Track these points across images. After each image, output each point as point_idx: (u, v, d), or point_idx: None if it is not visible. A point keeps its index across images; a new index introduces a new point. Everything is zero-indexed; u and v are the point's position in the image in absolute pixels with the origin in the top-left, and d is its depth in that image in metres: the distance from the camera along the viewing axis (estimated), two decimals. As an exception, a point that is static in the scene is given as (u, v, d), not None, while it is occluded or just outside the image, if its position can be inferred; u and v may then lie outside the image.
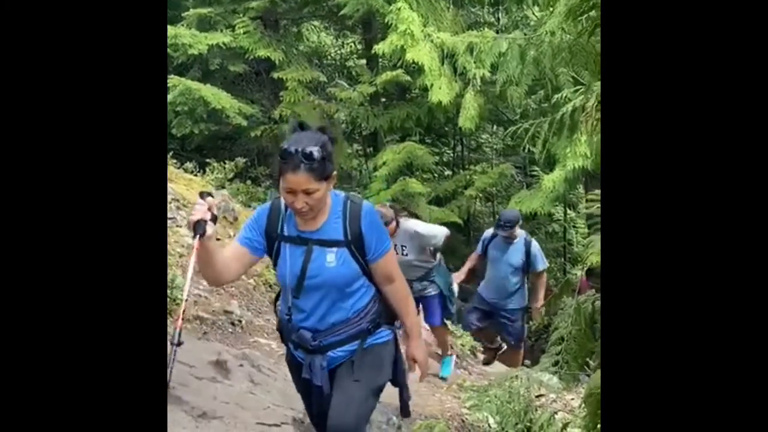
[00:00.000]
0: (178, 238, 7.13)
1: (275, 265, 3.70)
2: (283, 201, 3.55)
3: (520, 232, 8.09)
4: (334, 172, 3.55)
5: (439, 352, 7.74)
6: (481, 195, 15.58)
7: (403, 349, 3.92)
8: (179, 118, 13.00)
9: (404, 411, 4.00)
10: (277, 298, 4.04)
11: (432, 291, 7.04)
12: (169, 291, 5.73)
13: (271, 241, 3.61)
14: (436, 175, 16.81)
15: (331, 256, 3.58)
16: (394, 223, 6.52)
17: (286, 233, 3.61)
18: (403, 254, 6.63)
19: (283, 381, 5.00)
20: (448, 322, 7.85)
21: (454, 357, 7.72)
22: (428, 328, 7.50)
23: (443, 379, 7.33)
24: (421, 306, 6.80)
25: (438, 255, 7.06)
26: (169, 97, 12.02)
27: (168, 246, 6.52)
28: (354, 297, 3.70)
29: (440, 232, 6.91)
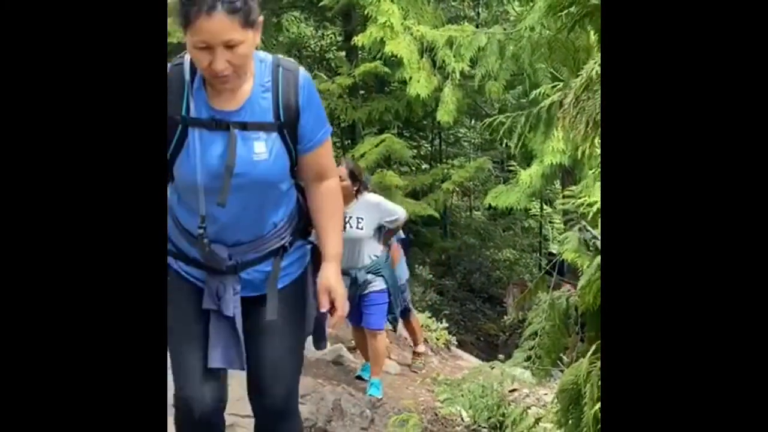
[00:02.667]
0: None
1: (172, 157, 2.69)
2: (186, 66, 2.64)
3: None
4: (261, 18, 2.61)
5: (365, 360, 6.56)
6: (458, 189, 15.62)
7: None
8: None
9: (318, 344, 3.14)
10: None
11: (378, 286, 5.97)
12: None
13: (170, 127, 2.63)
14: (413, 168, 16.85)
15: (261, 146, 2.69)
16: (357, 186, 5.76)
17: (194, 114, 2.64)
18: (358, 227, 5.81)
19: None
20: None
21: (381, 383, 6.18)
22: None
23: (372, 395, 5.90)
24: (361, 305, 5.96)
25: (384, 246, 6.09)
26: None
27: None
28: (283, 201, 2.88)
29: (402, 213, 6.10)
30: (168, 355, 2.78)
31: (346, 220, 5.65)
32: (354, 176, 5.75)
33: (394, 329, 6.44)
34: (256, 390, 2.97)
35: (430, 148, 18.96)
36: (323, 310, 2.84)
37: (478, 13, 16.20)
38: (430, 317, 9.13)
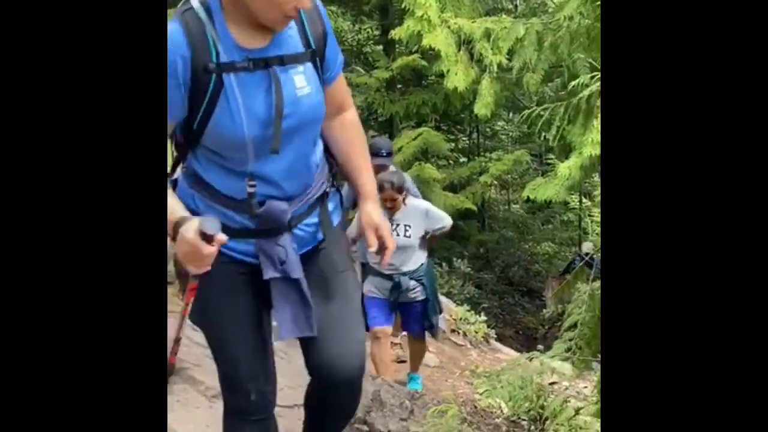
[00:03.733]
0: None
1: (204, 118, 2.39)
2: (200, 10, 2.37)
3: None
4: None
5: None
6: (495, 182, 15.55)
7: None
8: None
9: None
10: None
11: (418, 296, 5.92)
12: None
13: (200, 81, 2.35)
14: (451, 161, 16.82)
15: (301, 79, 2.46)
16: (404, 195, 5.72)
17: (225, 59, 2.36)
18: (405, 235, 5.76)
19: (296, 363, 5.01)
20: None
21: (421, 377, 6.40)
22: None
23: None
24: (403, 311, 6.05)
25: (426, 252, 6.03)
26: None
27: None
28: (317, 144, 2.64)
29: (449, 220, 6.03)
30: (213, 346, 2.71)
31: (394, 227, 5.72)
32: (399, 188, 5.74)
33: (433, 336, 6.34)
34: (325, 354, 2.66)
35: (467, 141, 18.91)
36: (372, 249, 2.69)
37: (516, 5, 16.10)
38: (468, 310, 9.11)
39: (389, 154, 6.39)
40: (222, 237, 2.22)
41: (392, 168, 6.25)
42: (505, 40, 8.51)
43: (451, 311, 8.85)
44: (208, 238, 2.21)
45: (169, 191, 2.38)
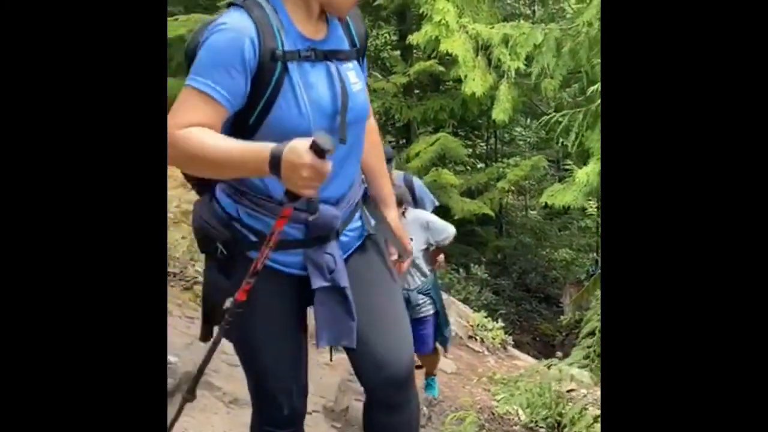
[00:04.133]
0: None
1: (264, 109, 2.30)
2: (265, 3, 2.32)
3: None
4: None
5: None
6: (513, 188, 15.53)
7: None
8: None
9: None
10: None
11: (429, 310, 5.67)
12: (201, 278, 5.76)
13: (266, 69, 2.27)
14: (468, 167, 16.80)
15: (353, 75, 2.44)
16: (403, 208, 5.37)
17: (289, 47, 2.30)
18: None
19: (314, 368, 5.01)
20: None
21: (437, 380, 6.26)
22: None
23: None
24: (414, 329, 5.56)
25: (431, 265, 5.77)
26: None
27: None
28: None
29: (452, 231, 5.76)
30: (246, 359, 2.66)
31: None
32: (399, 201, 5.44)
33: (445, 349, 6.20)
34: (373, 359, 2.57)
35: (485, 147, 18.89)
36: (393, 257, 2.70)
37: (534, 11, 16.11)
38: (485, 317, 9.09)
39: (389, 160, 6.33)
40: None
41: (395, 174, 6.10)
42: (523, 46, 8.54)
43: (468, 317, 8.83)
44: (320, 154, 2.03)
45: (227, 139, 2.22)
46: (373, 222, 2.67)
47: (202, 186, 2.57)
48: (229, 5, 2.38)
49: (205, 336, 2.65)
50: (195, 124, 2.20)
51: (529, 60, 9.24)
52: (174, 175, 7.93)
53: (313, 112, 2.30)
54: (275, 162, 2.06)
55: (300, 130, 2.21)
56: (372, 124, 2.69)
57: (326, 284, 2.45)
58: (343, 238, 2.52)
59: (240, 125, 2.33)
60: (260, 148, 2.11)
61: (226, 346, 4.60)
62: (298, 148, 2.03)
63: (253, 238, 2.43)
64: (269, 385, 2.62)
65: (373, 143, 2.70)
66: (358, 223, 2.59)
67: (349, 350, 2.59)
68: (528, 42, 7.63)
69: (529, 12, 16.09)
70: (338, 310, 2.49)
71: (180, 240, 6.24)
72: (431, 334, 5.72)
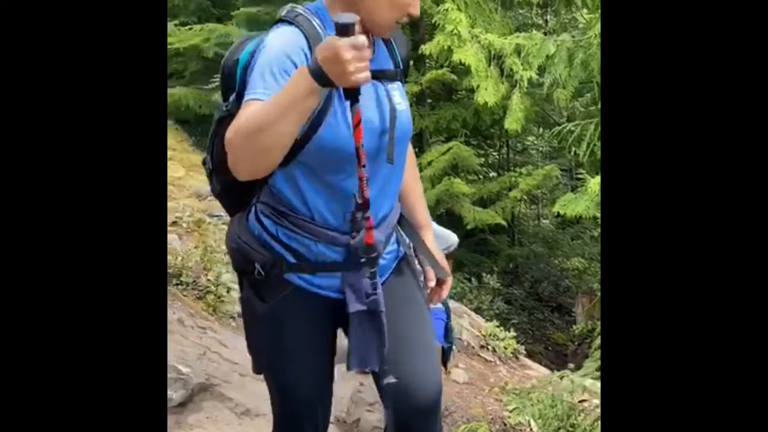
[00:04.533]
0: (224, 235, 7.17)
1: (311, 131, 2.25)
2: (310, 16, 2.31)
3: None
4: None
5: None
6: (525, 197, 15.49)
7: None
8: (227, 117, 13.01)
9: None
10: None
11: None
12: (214, 288, 5.78)
13: None
14: (481, 176, 16.76)
15: (398, 95, 2.42)
16: None
17: None
18: None
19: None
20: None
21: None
22: None
23: None
24: None
25: None
26: (217, 95, 12.06)
27: (214, 243, 6.56)
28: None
29: (454, 239, 5.85)
30: (271, 377, 2.64)
31: None
32: None
33: (445, 362, 6.16)
34: (401, 386, 2.52)
35: (497, 156, 18.85)
36: (432, 283, 2.66)
37: (547, 21, 16.07)
38: (497, 326, 9.06)
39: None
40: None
41: None
42: (535, 56, 8.54)
43: (480, 327, 8.81)
44: (346, 32, 1.94)
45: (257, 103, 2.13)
46: (409, 243, 2.67)
47: (236, 205, 2.57)
48: (278, 21, 2.35)
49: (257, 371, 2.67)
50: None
51: (541, 70, 9.24)
52: (186, 184, 7.95)
53: (367, 129, 2.24)
54: (316, 69, 1.99)
55: (347, 149, 2.23)
56: (409, 147, 2.65)
57: (363, 308, 2.42)
58: (381, 261, 2.48)
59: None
60: (297, 75, 2.05)
61: (238, 356, 4.61)
62: (326, 42, 1.98)
63: (291, 260, 2.42)
64: (294, 406, 2.62)
65: (410, 164, 2.67)
66: (394, 246, 2.59)
67: (375, 374, 2.57)
68: (540, 52, 7.63)
69: (541, 22, 16.05)
70: (371, 334, 2.46)
71: (193, 249, 6.25)
72: (438, 330, 5.67)
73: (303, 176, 2.37)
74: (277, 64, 2.21)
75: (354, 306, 2.43)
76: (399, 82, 2.48)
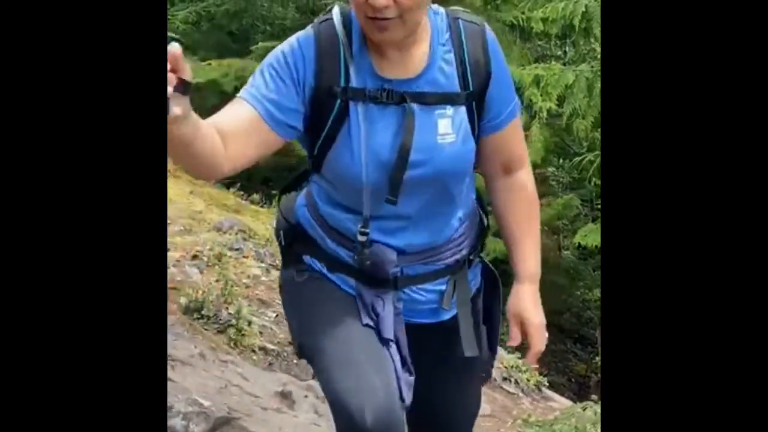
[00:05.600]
0: (245, 269, 7.18)
1: (324, 145, 2.11)
2: (338, 22, 2.08)
3: None
4: None
5: None
6: (546, 227, 15.43)
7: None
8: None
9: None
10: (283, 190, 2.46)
11: None
12: (235, 321, 5.78)
13: (323, 103, 2.04)
14: (501, 207, 16.71)
15: (446, 124, 2.10)
16: None
17: (356, 84, 2.05)
18: None
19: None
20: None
21: None
22: None
23: None
24: None
25: None
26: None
27: (235, 276, 6.57)
28: (461, 198, 2.28)
29: None
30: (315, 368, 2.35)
31: None
32: None
33: None
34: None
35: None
36: (514, 343, 2.35)
37: (565, 52, 16.10)
38: (520, 358, 9.00)
39: None
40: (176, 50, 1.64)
41: None
42: (554, 87, 8.56)
43: (502, 359, 8.76)
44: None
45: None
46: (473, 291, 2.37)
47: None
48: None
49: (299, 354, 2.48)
50: (234, 128, 1.98)
51: (560, 100, 9.25)
52: (206, 218, 7.99)
53: (370, 162, 2.07)
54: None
55: (352, 179, 2.10)
56: (517, 181, 2.34)
57: (371, 324, 2.20)
58: (414, 295, 2.25)
59: (309, 151, 2.18)
60: None
61: (259, 389, 4.61)
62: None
63: (309, 241, 2.29)
64: (340, 394, 2.14)
65: (511, 205, 2.34)
66: (443, 287, 2.28)
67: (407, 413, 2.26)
68: (559, 83, 7.66)
69: (560, 53, 16.08)
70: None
71: (214, 283, 6.25)
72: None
73: (323, 188, 2.25)
74: (270, 63, 2.08)
75: (364, 317, 2.22)
76: (463, 108, 2.14)
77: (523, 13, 11.34)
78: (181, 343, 4.98)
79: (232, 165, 1.98)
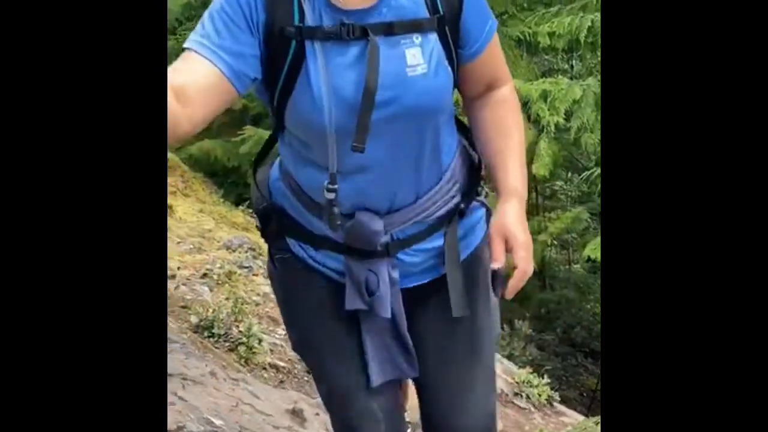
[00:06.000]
0: (255, 286, 7.19)
1: (283, 93, 1.87)
2: None
3: None
4: None
5: None
6: (555, 241, 15.43)
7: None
8: (255, 168, 13.05)
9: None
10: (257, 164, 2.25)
11: None
12: (245, 339, 5.78)
13: (277, 45, 1.82)
14: (510, 222, 16.69)
15: (416, 54, 1.86)
16: None
17: (311, 22, 1.82)
18: None
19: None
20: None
21: None
22: None
23: None
24: None
25: None
26: (246, 147, 12.14)
27: (245, 294, 6.58)
28: (446, 139, 2.05)
29: None
30: (314, 370, 2.33)
31: None
32: None
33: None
34: (434, 425, 2.23)
35: (526, 202, 18.82)
36: (496, 265, 2.00)
37: (572, 66, 16.12)
38: (531, 373, 8.97)
39: None
40: None
41: None
42: (562, 101, 8.55)
43: (513, 374, 8.73)
44: None
45: None
46: (471, 248, 2.17)
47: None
48: None
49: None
50: (192, 85, 1.75)
51: (568, 115, 9.25)
52: (216, 236, 8.01)
53: (333, 105, 1.83)
54: None
55: (315, 126, 1.87)
56: (500, 95, 2.13)
57: (363, 307, 2.06)
58: (406, 258, 2.06)
59: (270, 103, 1.96)
60: None
61: (270, 407, 4.61)
62: None
63: (288, 217, 2.12)
64: (334, 406, 2.25)
65: (495, 120, 2.11)
66: (439, 243, 2.08)
67: (418, 395, 2.23)
68: (567, 97, 7.65)
69: (566, 67, 16.10)
70: (388, 341, 2.10)
71: (224, 301, 6.27)
72: None
73: (289, 143, 2.04)
74: (221, 7, 1.84)
75: (351, 301, 2.05)
76: (434, 35, 1.90)
77: (529, 28, 11.34)
78: (192, 361, 4.99)
79: (192, 125, 1.77)
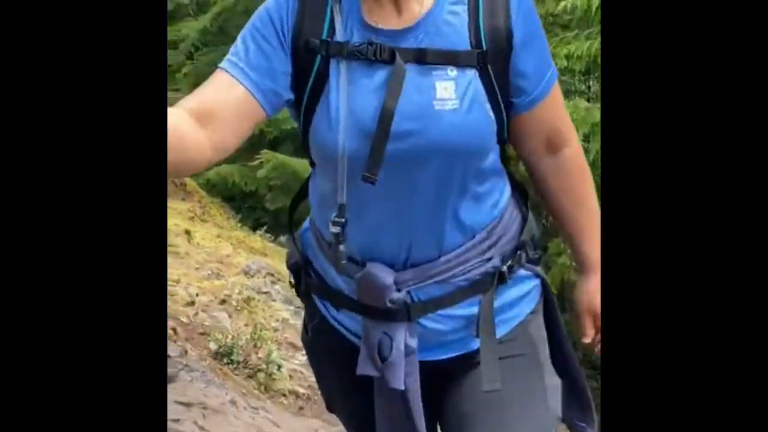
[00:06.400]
0: (273, 312, 7.17)
1: (307, 114, 1.74)
2: None
3: None
4: None
5: None
6: (574, 263, 15.37)
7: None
8: (273, 193, 13.08)
9: None
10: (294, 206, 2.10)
11: None
12: (265, 366, 5.75)
13: (302, 59, 1.70)
14: (530, 244, 16.66)
15: (447, 88, 1.67)
16: None
17: (340, 37, 1.70)
18: None
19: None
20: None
21: None
22: None
23: None
24: None
25: None
26: (263, 171, 12.16)
27: (264, 320, 6.56)
28: (478, 187, 1.81)
29: None
30: None
31: None
32: None
33: None
34: None
35: (545, 224, 18.77)
36: (588, 340, 2.03)
37: (590, 87, 16.09)
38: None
39: None
40: None
41: None
42: (581, 124, 8.52)
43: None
44: None
45: None
46: (513, 323, 1.93)
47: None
48: None
49: None
50: (185, 106, 1.63)
51: (587, 138, 9.22)
52: (234, 262, 8.00)
53: (348, 129, 1.68)
54: None
55: (328, 149, 1.72)
56: (565, 159, 1.94)
57: (374, 374, 1.84)
58: (430, 324, 1.83)
59: (300, 130, 1.84)
60: None
61: (284, 428, 4.53)
62: None
63: (312, 273, 1.98)
64: None
65: (563, 187, 1.98)
66: (473, 311, 1.83)
67: None
68: (586, 121, 7.62)
69: (584, 88, 16.07)
70: (397, 415, 1.88)
71: (243, 327, 6.24)
72: None
73: (313, 178, 1.91)
74: (253, 23, 1.75)
75: (363, 366, 1.85)
76: (473, 70, 1.70)
77: (547, 50, 11.36)
78: (212, 390, 4.96)
79: (217, 152, 1.65)
